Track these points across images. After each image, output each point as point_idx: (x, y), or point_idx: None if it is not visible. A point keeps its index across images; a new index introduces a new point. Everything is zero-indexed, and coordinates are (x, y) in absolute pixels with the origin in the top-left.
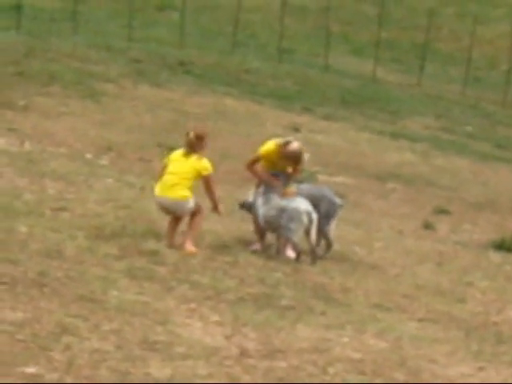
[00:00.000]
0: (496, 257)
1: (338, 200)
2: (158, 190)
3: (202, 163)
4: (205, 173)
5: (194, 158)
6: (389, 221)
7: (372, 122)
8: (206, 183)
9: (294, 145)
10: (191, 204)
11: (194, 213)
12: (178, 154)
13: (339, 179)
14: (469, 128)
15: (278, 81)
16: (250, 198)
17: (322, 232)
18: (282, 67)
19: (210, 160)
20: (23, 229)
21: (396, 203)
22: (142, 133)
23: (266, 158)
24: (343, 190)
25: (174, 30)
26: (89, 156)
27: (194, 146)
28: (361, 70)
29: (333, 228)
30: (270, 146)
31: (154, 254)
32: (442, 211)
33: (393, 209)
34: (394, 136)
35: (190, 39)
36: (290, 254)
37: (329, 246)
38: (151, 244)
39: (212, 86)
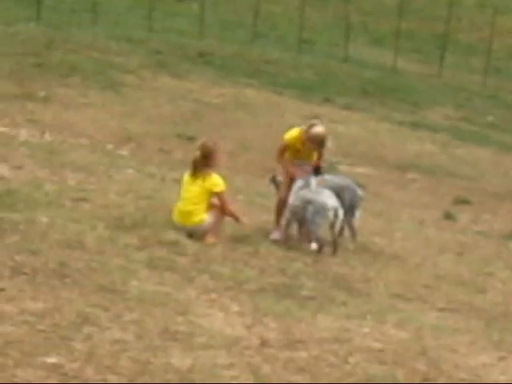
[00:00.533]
0: None
1: (359, 191)
2: (175, 215)
3: (211, 181)
4: (216, 189)
5: (201, 179)
6: (409, 211)
7: (392, 112)
8: (219, 201)
9: (319, 127)
10: (209, 221)
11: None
12: (186, 174)
13: (360, 170)
14: (489, 118)
15: (298, 71)
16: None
17: (346, 222)
18: (302, 58)
19: (231, 150)
20: (44, 219)
21: (416, 193)
22: (162, 123)
23: (291, 145)
24: (364, 180)
25: (193, 20)
26: (109, 147)
27: (200, 165)
28: (381, 60)
29: (358, 217)
30: (293, 132)
31: (174, 244)
32: (462, 201)
33: (413, 199)
34: (415, 126)
35: (209, 30)
36: (311, 244)
37: (353, 235)
38: (171, 234)
39: (232, 76)
